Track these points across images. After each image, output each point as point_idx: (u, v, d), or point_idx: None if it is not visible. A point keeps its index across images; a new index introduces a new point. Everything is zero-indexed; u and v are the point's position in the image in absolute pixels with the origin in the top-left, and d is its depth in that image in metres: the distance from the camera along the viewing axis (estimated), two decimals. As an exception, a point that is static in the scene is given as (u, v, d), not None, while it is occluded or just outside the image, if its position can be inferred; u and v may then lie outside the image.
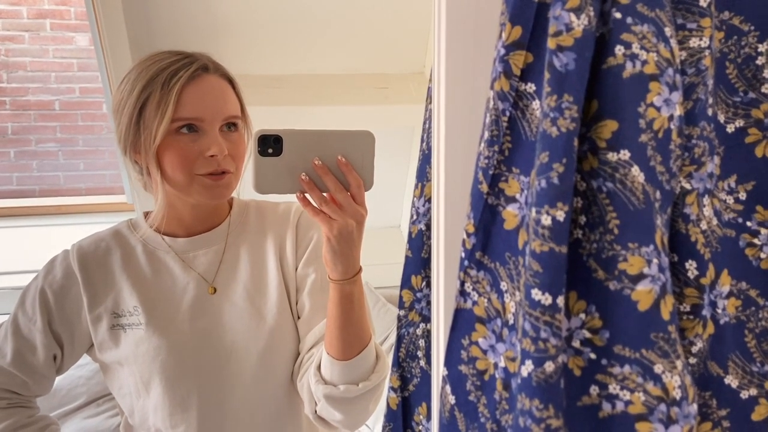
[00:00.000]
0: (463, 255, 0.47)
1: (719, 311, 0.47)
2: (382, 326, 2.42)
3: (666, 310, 0.41)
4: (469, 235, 0.47)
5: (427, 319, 0.62)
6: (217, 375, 0.89)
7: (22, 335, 0.90)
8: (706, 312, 0.46)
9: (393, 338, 2.58)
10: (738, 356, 0.47)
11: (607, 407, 0.41)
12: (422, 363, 0.62)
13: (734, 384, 0.47)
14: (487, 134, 0.46)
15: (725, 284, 0.47)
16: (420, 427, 0.63)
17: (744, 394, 0.47)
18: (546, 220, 0.40)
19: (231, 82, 0.90)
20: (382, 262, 2.62)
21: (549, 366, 0.40)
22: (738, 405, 0.47)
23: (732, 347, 0.47)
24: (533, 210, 0.41)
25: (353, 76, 2.21)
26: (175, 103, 0.82)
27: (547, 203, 0.40)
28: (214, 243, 0.95)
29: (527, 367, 0.41)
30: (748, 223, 0.47)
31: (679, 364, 0.41)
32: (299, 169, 0.74)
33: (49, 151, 2.91)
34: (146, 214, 0.96)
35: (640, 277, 0.40)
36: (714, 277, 0.46)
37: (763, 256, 0.47)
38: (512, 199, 0.45)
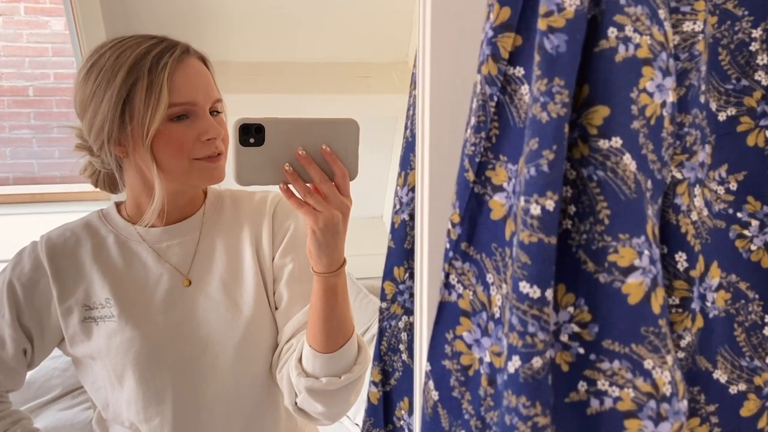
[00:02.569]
0: (447, 246, 0.45)
1: (708, 304, 0.46)
2: (364, 317, 2.40)
3: (657, 304, 0.39)
4: (454, 225, 0.45)
5: (409, 312, 0.60)
6: (192, 367, 0.87)
7: None
8: (695, 305, 0.45)
9: (374, 329, 2.56)
10: (727, 350, 0.46)
11: (595, 404, 0.40)
12: (404, 357, 0.61)
13: (723, 379, 0.46)
14: (473, 120, 0.44)
15: (715, 277, 0.46)
16: (401, 422, 0.61)
17: (733, 389, 0.46)
18: (535, 210, 0.39)
19: (206, 64, 0.87)
20: (364, 253, 2.60)
21: (537, 362, 0.38)
22: (727, 400, 0.46)
23: (721, 341, 0.46)
24: (522, 199, 0.39)
25: (335, 65, 2.18)
26: (168, 89, 0.79)
27: (536, 192, 0.38)
28: (187, 233, 0.92)
29: (514, 363, 0.39)
30: (739, 214, 0.46)
31: (669, 359, 0.39)
32: (282, 160, 0.71)
33: (23, 138, 2.84)
34: (118, 205, 0.93)
35: (630, 269, 0.39)
36: (704, 270, 0.45)
37: (753, 248, 0.46)
38: (499, 188, 0.43)
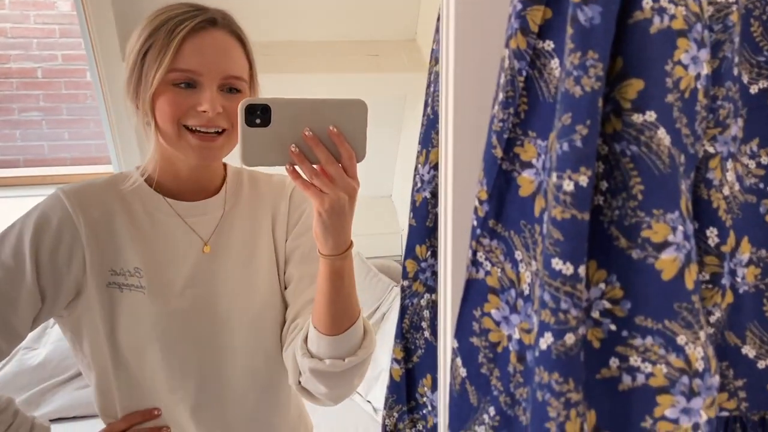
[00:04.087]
0: (475, 223, 0.44)
1: (738, 280, 0.45)
2: (373, 296, 2.41)
3: (690, 279, 0.39)
4: (481, 202, 0.44)
5: (431, 290, 0.60)
6: (213, 343, 0.88)
7: (2, 293, 0.84)
8: (725, 281, 0.45)
9: (384, 308, 2.57)
10: (756, 326, 0.46)
11: (627, 380, 0.39)
12: (427, 334, 0.61)
13: (751, 354, 0.46)
14: (501, 95, 0.43)
15: (745, 252, 0.45)
16: (424, 399, 0.61)
17: (761, 364, 0.46)
18: (568, 186, 0.38)
19: (242, 41, 0.86)
20: (373, 232, 2.60)
21: (569, 338, 0.38)
22: (755, 375, 0.46)
23: (750, 317, 0.46)
24: (554, 175, 0.39)
25: (343, 43, 2.15)
26: (174, 52, 0.79)
27: (569, 167, 0.38)
28: (212, 210, 0.91)
29: (546, 340, 0.39)
30: (770, 189, 0.45)
31: (702, 335, 0.39)
32: (288, 140, 0.69)
33: (33, 120, 2.83)
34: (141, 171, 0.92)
35: (664, 245, 0.38)
36: (734, 245, 0.45)
37: (784, 222, 0.46)
38: (528, 165, 0.43)
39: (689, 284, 0.38)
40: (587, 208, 0.38)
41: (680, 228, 0.38)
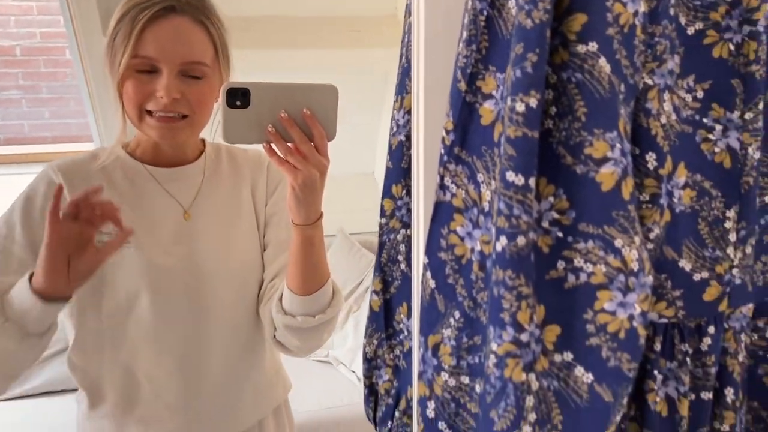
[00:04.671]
0: (442, 151, 0.50)
1: (675, 200, 0.51)
2: (357, 271, 2.47)
3: (626, 191, 0.45)
4: (447, 132, 0.50)
5: (407, 226, 0.65)
6: (198, 298, 0.94)
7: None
8: (663, 201, 0.51)
9: (367, 282, 2.63)
10: (691, 242, 0.52)
11: (571, 279, 0.46)
12: (403, 266, 0.66)
13: (687, 267, 0.52)
14: (465, 34, 0.49)
15: (682, 176, 0.51)
16: (401, 326, 0.67)
17: (696, 277, 0.52)
18: (520, 107, 0.44)
19: (205, 26, 0.91)
20: (356, 209, 2.65)
21: (521, 240, 0.44)
22: (691, 286, 0.52)
23: (686, 234, 0.52)
24: (508, 99, 0.44)
25: (325, 18, 2.19)
26: (135, 39, 0.85)
27: (521, 91, 0.43)
28: (191, 176, 0.98)
29: (501, 242, 0.45)
30: (705, 120, 0.51)
31: (637, 239, 0.45)
32: (266, 121, 0.77)
33: (12, 99, 2.83)
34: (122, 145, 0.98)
35: (604, 160, 0.44)
36: (672, 169, 0.51)
37: (716, 150, 0.52)
38: (489, 96, 0.48)
39: (626, 195, 0.45)
40: (536, 127, 0.44)
41: (618, 146, 0.44)
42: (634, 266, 0.45)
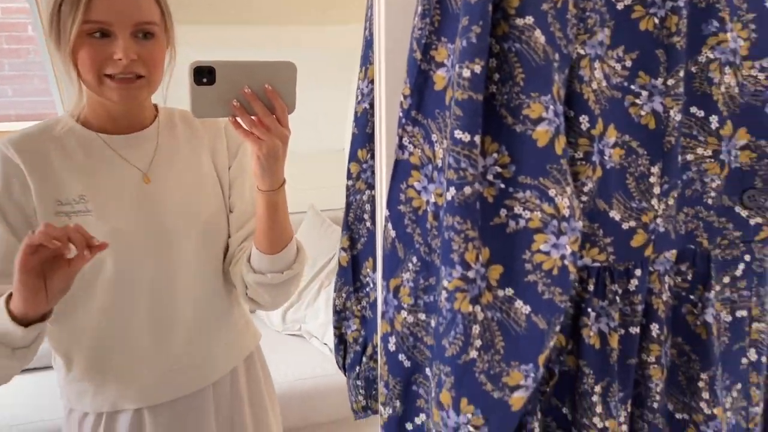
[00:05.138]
0: (401, 114, 0.57)
1: (606, 158, 0.59)
2: (328, 246, 2.53)
3: (559, 147, 0.52)
4: (405, 97, 0.56)
5: (371, 187, 0.72)
6: (164, 259, 1.00)
7: None
8: (595, 158, 0.58)
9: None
10: (621, 195, 0.60)
11: (512, 224, 0.53)
12: (368, 224, 0.73)
13: (617, 217, 0.60)
14: (420, 9, 0.55)
15: (612, 136, 0.58)
16: (367, 279, 0.74)
17: (625, 226, 0.60)
18: (466, 73, 0.50)
19: None
20: (326, 185, 2.70)
21: (467, 190, 0.51)
22: (620, 234, 0.60)
23: (616, 187, 0.59)
24: (456, 66, 0.51)
25: (294, -5, 2.22)
26: (85, 4, 0.88)
27: (467, 59, 0.50)
28: (146, 141, 1.03)
29: (450, 192, 0.52)
30: (632, 86, 0.59)
31: (568, 189, 0.53)
32: (231, 96, 0.85)
33: (-27, 76, 2.80)
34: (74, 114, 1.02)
35: (539, 120, 0.51)
36: (602, 130, 0.58)
37: (642, 113, 0.59)
38: (441, 64, 0.55)
39: (558, 150, 0.52)
40: (481, 91, 0.51)
41: (551, 107, 0.51)
42: (566, 212, 0.52)
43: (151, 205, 1.00)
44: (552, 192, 0.52)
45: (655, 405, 0.63)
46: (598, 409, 0.60)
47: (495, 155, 0.53)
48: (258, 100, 0.85)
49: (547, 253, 0.52)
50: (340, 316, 0.78)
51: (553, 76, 0.52)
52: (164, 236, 1.00)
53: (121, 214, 0.98)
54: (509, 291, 0.53)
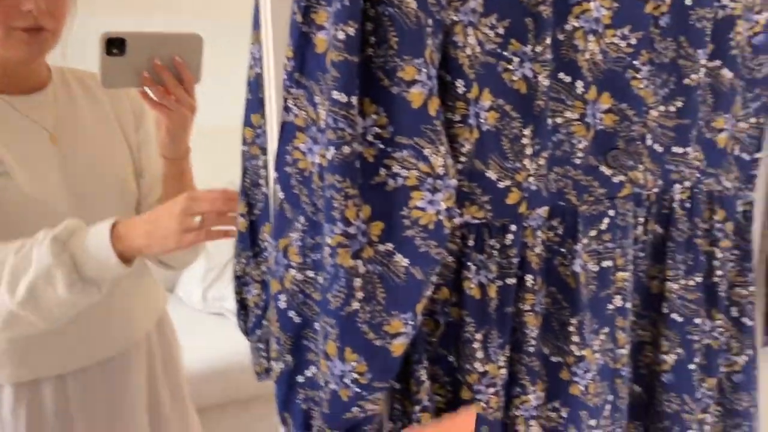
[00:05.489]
0: (285, 77, 0.59)
1: (482, 121, 0.63)
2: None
3: (433, 109, 0.56)
4: (289, 59, 0.58)
5: (266, 152, 0.74)
6: (76, 216, 0.99)
7: None
8: (472, 121, 0.63)
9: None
10: (496, 156, 0.65)
11: (391, 182, 0.57)
12: (264, 189, 0.75)
13: (494, 177, 0.65)
14: (300, -26, 0.57)
15: (487, 100, 0.63)
16: (265, 243, 0.77)
17: (501, 185, 0.65)
18: (341, 35, 0.53)
19: None
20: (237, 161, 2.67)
21: (346, 149, 0.55)
22: (496, 192, 0.65)
23: (492, 149, 0.64)
24: (332, 28, 0.54)
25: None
26: None
27: (341, 21, 0.53)
28: (47, 101, 1.01)
29: (330, 152, 0.55)
30: (505, 53, 0.63)
31: (442, 149, 0.57)
32: (141, 68, 0.87)
33: None
34: None
35: (413, 82, 0.55)
36: (478, 94, 0.62)
37: (515, 78, 0.64)
38: (321, 27, 0.57)
39: (431, 111, 0.56)
40: (356, 53, 0.54)
41: (424, 70, 0.55)
42: (440, 171, 0.57)
43: (63, 167, 0.99)
44: (427, 151, 0.56)
45: (531, 349, 0.69)
46: (479, 354, 0.66)
47: (374, 116, 0.56)
48: (168, 72, 0.87)
49: (423, 209, 0.57)
50: (240, 281, 0.80)
51: (426, 41, 0.55)
52: (82, 199, 1.00)
53: (36, 177, 0.96)
54: (389, 246, 0.57)
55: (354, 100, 0.54)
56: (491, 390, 0.67)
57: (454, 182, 0.57)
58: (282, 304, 0.62)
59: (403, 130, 0.56)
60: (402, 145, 0.56)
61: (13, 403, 0.99)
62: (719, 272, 0.78)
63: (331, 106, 0.54)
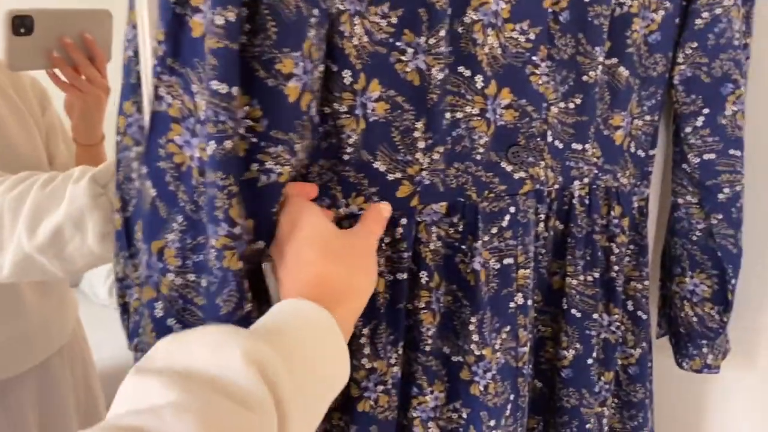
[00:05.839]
0: (155, 62, 0.55)
1: (369, 111, 0.61)
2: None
3: (305, 103, 0.55)
4: (159, 42, 0.54)
5: (139, 143, 0.69)
6: None
7: None
8: (359, 111, 0.61)
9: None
10: (385, 147, 0.63)
11: (263, 178, 0.55)
12: (137, 184, 0.70)
13: (382, 168, 0.63)
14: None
15: (375, 90, 0.61)
16: (140, 243, 0.72)
17: (390, 177, 0.63)
18: (219, 20, 0.50)
19: None
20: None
21: (228, 144, 0.52)
22: (385, 184, 0.63)
23: (380, 140, 0.62)
24: (209, 12, 0.50)
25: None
26: None
27: (219, 5, 0.50)
28: None
29: (211, 147, 0.52)
30: (398, 43, 0.61)
31: (305, 143, 0.56)
32: (50, 47, 0.81)
33: None
34: None
35: (290, 76, 0.53)
36: (365, 84, 0.60)
37: (408, 69, 0.62)
38: (197, 9, 0.53)
39: (304, 107, 0.54)
40: (236, 40, 0.51)
41: (301, 64, 0.53)
42: (304, 163, 0.56)
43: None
44: (297, 147, 0.54)
45: (428, 348, 0.68)
46: (366, 350, 0.64)
47: (247, 108, 0.54)
48: (79, 50, 0.82)
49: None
50: (122, 284, 0.75)
51: (306, 33, 0.53)
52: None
53: None
54: (260, 244, 0.55)
55: (235, 90, 0.51)
56: (380, 388, 0.65)
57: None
58: (159, 312, 0.57)
59: (280, 125, 0.54)
60: (277, 140, 0.54)
61: None
62: (616, 267, 0.80)
63: (210, 97, 0.50)
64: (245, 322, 0.54)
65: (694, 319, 0.87)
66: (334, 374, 0.48)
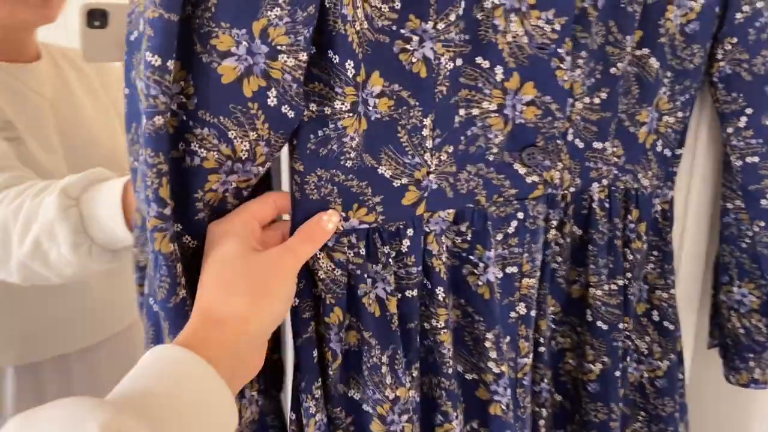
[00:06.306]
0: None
1: (371, 108, 0.39)
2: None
3: (249, 89, 0.32)
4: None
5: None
6: None
7: None
8: (360, 109, 0.39)
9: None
10: (391, 149, 0.41)
11: (188, 160, 0.34)
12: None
13: (388, 174, 0.41)
14: None
15: (376, 84, 0.39)
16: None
17: (396, 183, 0.41)
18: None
19: None
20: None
21: (158, 120, 0.31)
22: (390, 192, 0.40)
23: (385, 141, 0.40)
24: None
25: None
26: None
27: None
28: (43, 70, 0.78)
29: (142, 122, 0.32)
30: (402, 31, 0.39)
31: (252, 135, 0.34)
32: (123, 40, 0.64)
33: None
34: None
35: (227, 54, 0.31)
36: (365, 77, 0.38)
37: (414, 60, 0.39)
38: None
39: (247, 93, 0.32)
40: (174, 10, 0.30)
41: (245, 44, 0.31)
42: (243, 155, 0.34)
43: (63, 137, 0.75)
44: (232, 134, 0.33)
45: (450, 371, 0.44)
46: (389, 379, 0.40)
47: (181, 83, 0.33)
48: None
49: (215, 191, 0.37)
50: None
51: (263, 11, 0.33)
52: (80, 171, 0.74)
53: (43, 145, 0.72)
54: (178, 227, 0.36)
55: (170, 64, 0.30)
56: (404, 417, 0.41)
57: (256, 170, 0.36)
58: (146, 290, 0.40)
59: (208, 106, 0.32)
60: (204, 121, 0.33)
61: (15, 385, 0.76)
62: (629, 275, 0.55)
63: (144, 70, 0.32)
64: (179, 310, 0.35)
65: (741, 330, 0.60)
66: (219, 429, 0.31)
